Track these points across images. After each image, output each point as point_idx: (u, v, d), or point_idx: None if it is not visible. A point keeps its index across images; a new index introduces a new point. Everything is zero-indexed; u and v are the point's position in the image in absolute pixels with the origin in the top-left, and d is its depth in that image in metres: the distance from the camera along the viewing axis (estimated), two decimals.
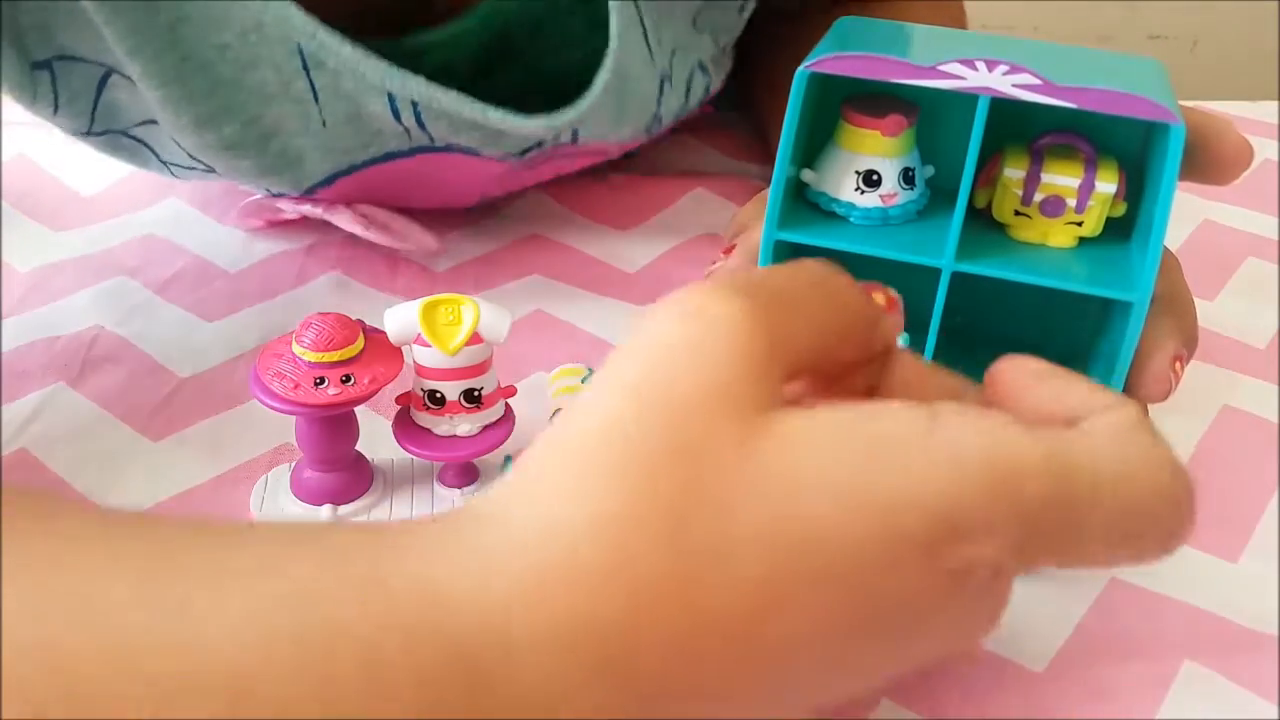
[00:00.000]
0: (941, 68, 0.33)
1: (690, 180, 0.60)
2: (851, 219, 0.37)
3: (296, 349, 0.36)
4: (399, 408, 0.39)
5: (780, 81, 0.37)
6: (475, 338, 0.36)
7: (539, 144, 0.47)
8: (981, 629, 0.27)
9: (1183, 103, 0.35)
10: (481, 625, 0.22)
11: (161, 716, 0.20)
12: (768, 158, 0.37)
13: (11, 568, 0.22)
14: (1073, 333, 0.39)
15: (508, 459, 0.40)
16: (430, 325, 0.36)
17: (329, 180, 0.48)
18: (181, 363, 0.47)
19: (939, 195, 0.38)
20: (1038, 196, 0.36)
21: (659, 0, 0.46)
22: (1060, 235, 0.36)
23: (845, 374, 0.28)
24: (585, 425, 0.24)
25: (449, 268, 0.53)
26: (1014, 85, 0.33)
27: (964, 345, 0.35)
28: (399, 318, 0.36)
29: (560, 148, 0.49)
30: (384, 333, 0.37)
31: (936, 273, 0.35)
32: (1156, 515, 0.25)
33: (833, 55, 0.34)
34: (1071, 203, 0.36)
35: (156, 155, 0.49)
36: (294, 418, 0.38)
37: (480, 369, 0.37)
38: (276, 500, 0.39)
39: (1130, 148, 0.37)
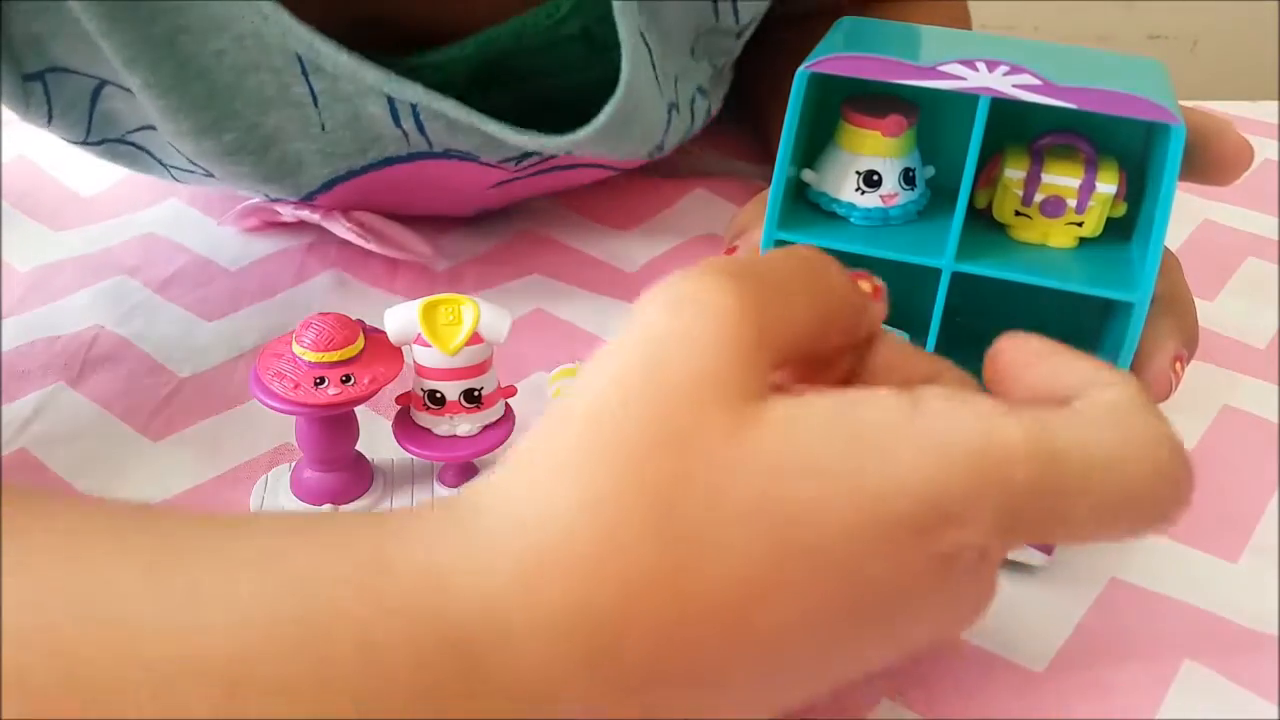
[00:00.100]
0: (942, 68, 0.33)
1: (690, 180, 0.60)
2: (852, 219, 0.37)
3: (296, 349, 0.36)
4: (399, 408, 0.39)
5: (780, 82, 0.37)
6: (475, 338, 0.36)
7: (537, 151, 0.47)
8: (970, 613, 0.27)
9: (1183, 103, 0.35)
10: (479, 611, 0.22)
11: (161, 699, 0.20)
12: (768, 158, 0.37)
13: (12, 558, 0.22)
14: (1073, 333, 0.38)
15: None
16: (430, 325, 0.36)
17: (328, 186, 0.48)
18: (181, 362, 0.47)
19: (939, 195, 0.38)
20: (1038, 197, 0.36)
21: (661, 31, 0.46)
22: (1061, 235, 0.36)
23: (829, 360, 0.28)
24: (576, 414, 0.24)
25: (449, 268, 0.53)
26: (1014, 85, 0.33)
27: (964, 345, 0.35)
28: (399, 318, 0.36)
29: (558, 158, 0.49)
30: (384, 333, 0.37)
31: (937, 273, 0.35)
32: (1155, 493, 0.25)
33: (833, 55, 0.34)
34: (1072, 203, 0.36)
35: (156, 159, 0.49)
36: (294, 418, 0.38)
37: (480, 369, 0.37)
38: (276, 500, 0.39)
39: (1130, 148, 0.37)
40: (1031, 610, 0.36)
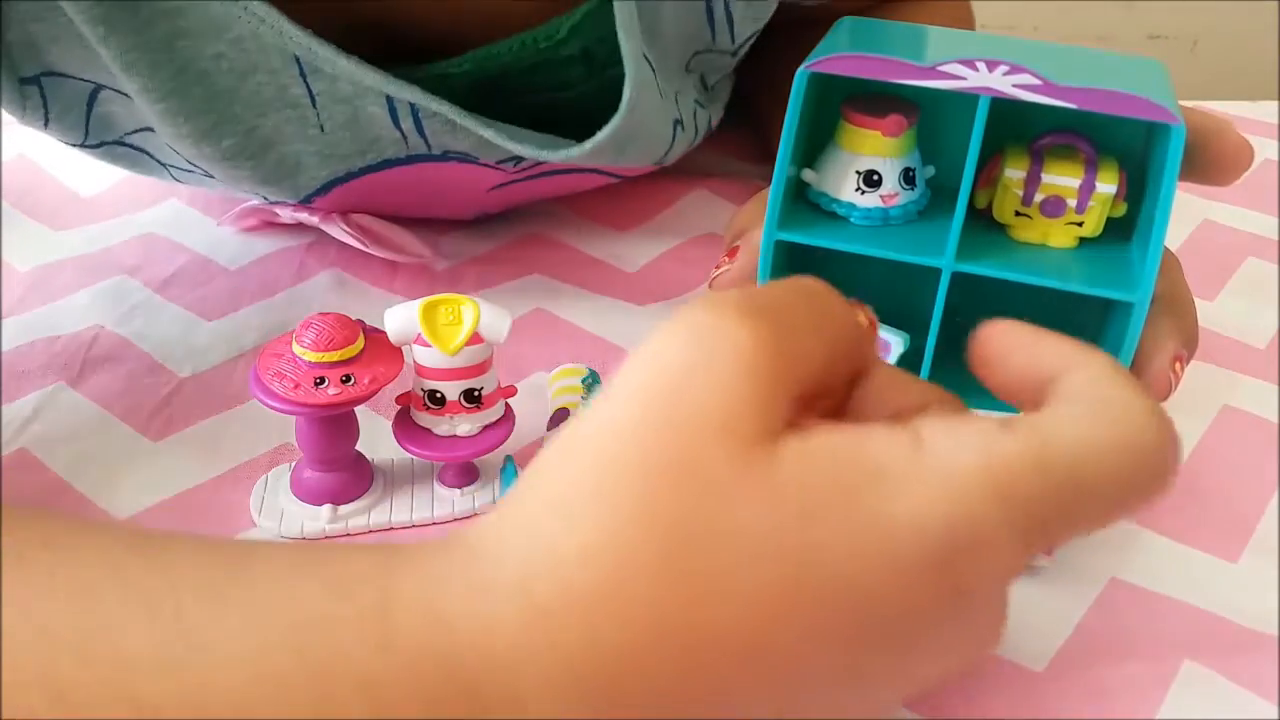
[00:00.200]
0: (942, 68, 0.33)
1: (690, 180, 0.60)
2: (852, 219, 0.37)
3: (296, 349, 0.36)
4: (399, 408, 0.39)
5: (780, 82, 0.37)
6: (475, 338, 0.36)
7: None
8: (990, 638, 0.27)
9: (1183, 103, 0.35)
10: (485, 656, 0.22)
11: None
12: (768, 158, 0.37)
13: (12, 591, 0.22)
14: (1073, 333, 0.38)
15: (508, 459, 0.40)
16: (430, 325, 0.36)
17: (327, 188, 0.48)
18: (181, 362, 0.47)
19: (939, 195, 0.38)
20: (1038, 197, 0.36)
21: (659, 50, 0.46)
22: (1061, 235, 0.36)
23: (828, 390, 0.28)
24: (590, 445, 0.24)
25: (449, 268, 0.53)
26: (1014, 85, 0.33)
27: (964, 345, 0.35)
28: (399, 318, 0.36)
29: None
30: (384, 333, 0.37)
31: (936, 273, 0.35)
32: (1151, 470, 0.25)
33: (833, 55, 0.34)
34: (1072, 203, 0.36)
35: (155, 160, 0.49)
36: (294, 418, 0.38)
37: (480, 369, 0.37)
38: (276, 500, 0.39)
39: (1131, 148, 0.37)
40: (1031, 610, 0.36)
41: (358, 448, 0.39)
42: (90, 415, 0.44)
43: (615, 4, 0.42)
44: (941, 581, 0.23)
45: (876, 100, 0.37)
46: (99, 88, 0.44)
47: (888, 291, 0.36)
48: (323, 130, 0.45)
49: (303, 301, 0.51)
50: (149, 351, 0.47)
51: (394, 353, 0.37)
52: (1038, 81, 0.32)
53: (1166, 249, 0.35)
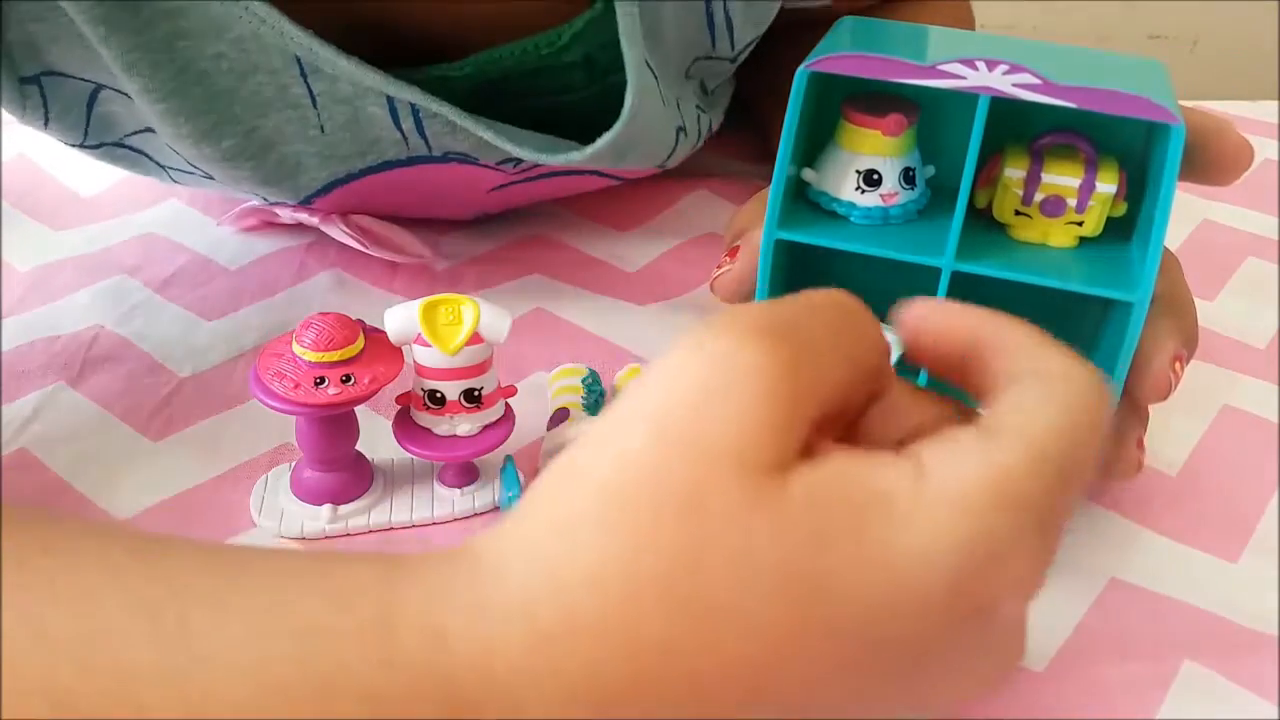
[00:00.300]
0: (942, 67, 0.33)
1: (690, 180, 0.60)
2: (852, 218, 0.37)
3: (296, 349, 0.36)
4: (399, 408, 0.39)
5: (781, 84, 0.37)
6: (475, 338, 0.36)
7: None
8: (1011, 659, 0.27)
9: (1183, 103, 0.35)
10: (484, 678, 0.22)
11: None
12: (768, 158, 0.37)
13: (13, 596, 0.22)
14: (1073, 333, 0.38)
15: (508, 459, 0.40)
16: (430, 325, 0.36)
17: (327, 189, 0.48)
18: (181, 362, 0.47)
19: (939, 195, 0.38)
20: (1038, 196, 0.36)
21: (660, 56, 0.46)
22: (1061, 235, 0.36)
23: (843, 413, 0.27)
24: (599, 471, 0.23)
25: (449, 268, 0.53)
26: (1014, 85, 0.33)
27: None
28: (399, 318, 0.36)
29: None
30: (384, 333, 0.37)
31: (936, 272, 0.35)
32: (1099, 424, 0.25)
33: (833, 55, 0.34)
34: (1072, 203, 0.36)
35: (154, 162, 0.50)
36: (294, 418, 0.38)
37: (480, 369, 0.37)
38: (276, 500, 0.39)
39: (1131, 148, 0.37)
40: (1032, 610, 0.36)
41: (358, 448, 0.39)
42: (90, 415, 0.44)
43: (618, 11, 0.42)
44: (955, 606, 0.23)
45: (877, 100, 0.37)
46: (99, 87, 0.44)
47: (887, 291, 0.36)
48: (323, 131, 0.45)
49: (303, 301, 0.51)
50: (149, 351, 0.47)
51: (394, 353, 0.37)
52: (1038, 81, 0.32)
53: (1166, 249, 0.35)
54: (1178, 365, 0.35)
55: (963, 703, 0.27)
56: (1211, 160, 0.36)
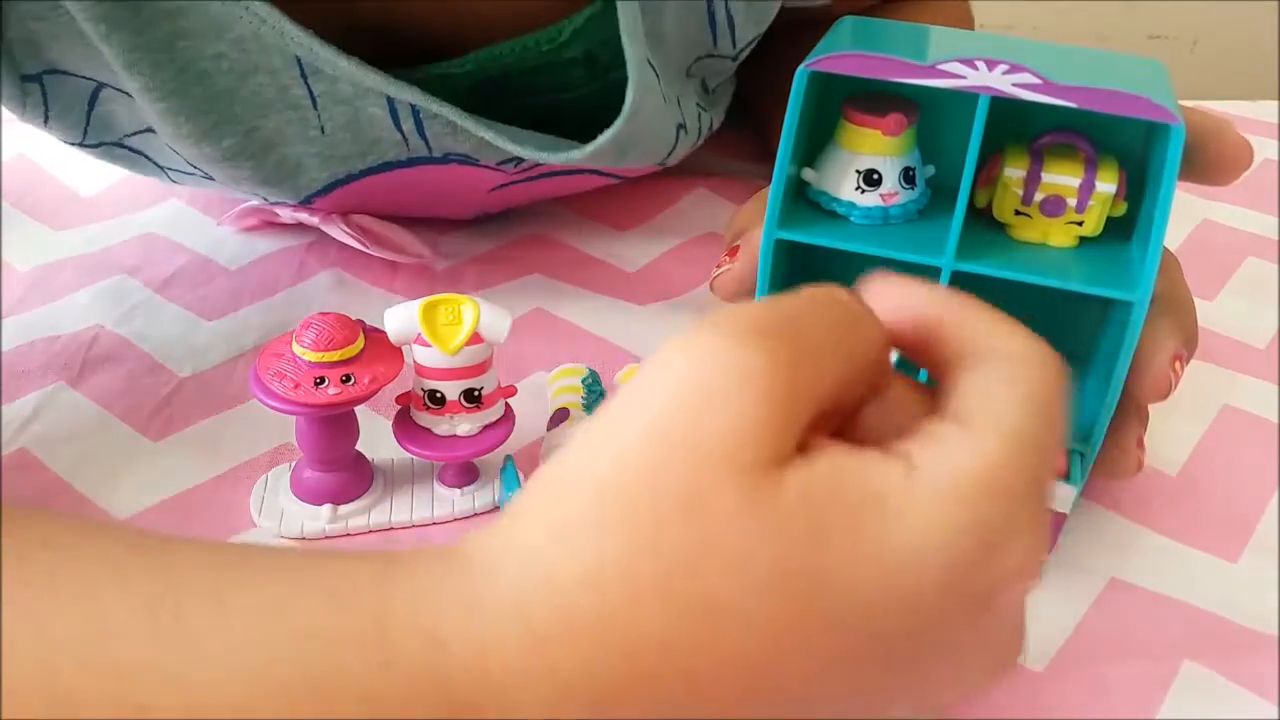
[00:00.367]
0: (942, 67, 0.33)
1: (690, 180, 0.60)
2: (852, 218, 0.37)
3: (296, 349, 0.36)
4: (399, 408, 0.39)
5: (782, 83, 0.37)
6: (475, 338, 0.36)
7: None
8: (1009, 654, 0.27)
9: (1183, 103, 0.35)
10: (480, 679, 0.22)
11: None
12: (768, 158, 0.37)
13: (12, 592, 0.22)
14: (1073, 333, 0.39)
15: (508, 459, 0.40)
16: (430, 325, 0.36)
17: (327, 189, 0.48)
18: (181, 362, 0.47)
19: (939, 194, 0.38)
20: (1038, 196, 0.36)
21: (662, 55, 0.46)
22: (1060, 235, 0.36)
23: (840, 410, 0.27)
24: (594, 471, 0.23)
25: (449, 268, 0.53)
26: (1014, 84, 0.33)
27: None
28: (399, 317, 0.36)
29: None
30: (384, 333, 0.37)
31: (936, 272, 0.35)
32: (1061, 397, 0.26)
33: (833, 54, 0.34)
34: (1072, 202, 0.36)
35: (154, 163, 0.50)
36: (294, 418, 0.38)
37: (480, 369, 0.37)
38: (276, 500, 0.39)
39: (1130, 148, 0.37)
40: (1032, 610, 0.36)
41: (358, 448, 0.39)
42: (90, 415, 0.44)
43: (619, 8, 0.42)
44: (951, 598, 0.23)
45: (877, 99, 0.37)
46: (100, 86, 0.44)
47: None
48: (323, 131, 0.45)
49: (303, 301, 0.51)
50: (149, 351, 0.47)
51: (394, 353, 0.37)
52: (1038, 80, 0.32)
53: (1166, 249, 0.35)
54: (1178, 365, 0.35)
55: (964, 697, 0.27)
56: (1211, 160, 0.36)
